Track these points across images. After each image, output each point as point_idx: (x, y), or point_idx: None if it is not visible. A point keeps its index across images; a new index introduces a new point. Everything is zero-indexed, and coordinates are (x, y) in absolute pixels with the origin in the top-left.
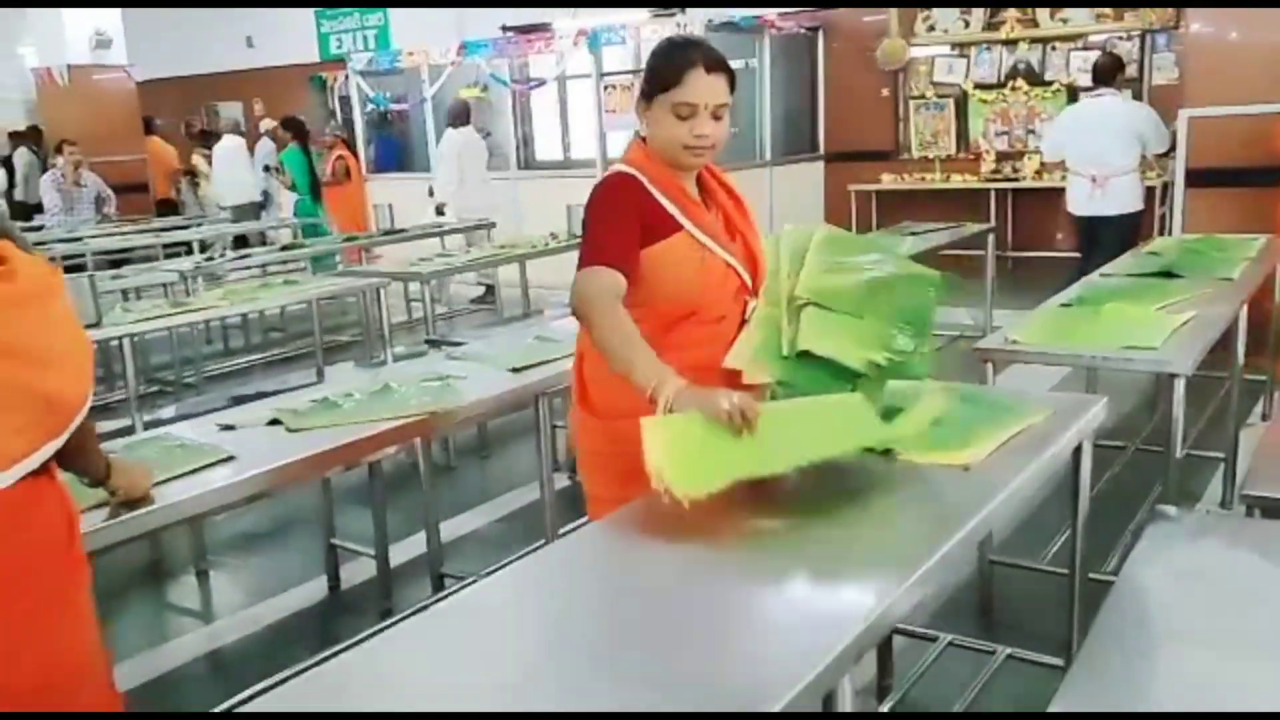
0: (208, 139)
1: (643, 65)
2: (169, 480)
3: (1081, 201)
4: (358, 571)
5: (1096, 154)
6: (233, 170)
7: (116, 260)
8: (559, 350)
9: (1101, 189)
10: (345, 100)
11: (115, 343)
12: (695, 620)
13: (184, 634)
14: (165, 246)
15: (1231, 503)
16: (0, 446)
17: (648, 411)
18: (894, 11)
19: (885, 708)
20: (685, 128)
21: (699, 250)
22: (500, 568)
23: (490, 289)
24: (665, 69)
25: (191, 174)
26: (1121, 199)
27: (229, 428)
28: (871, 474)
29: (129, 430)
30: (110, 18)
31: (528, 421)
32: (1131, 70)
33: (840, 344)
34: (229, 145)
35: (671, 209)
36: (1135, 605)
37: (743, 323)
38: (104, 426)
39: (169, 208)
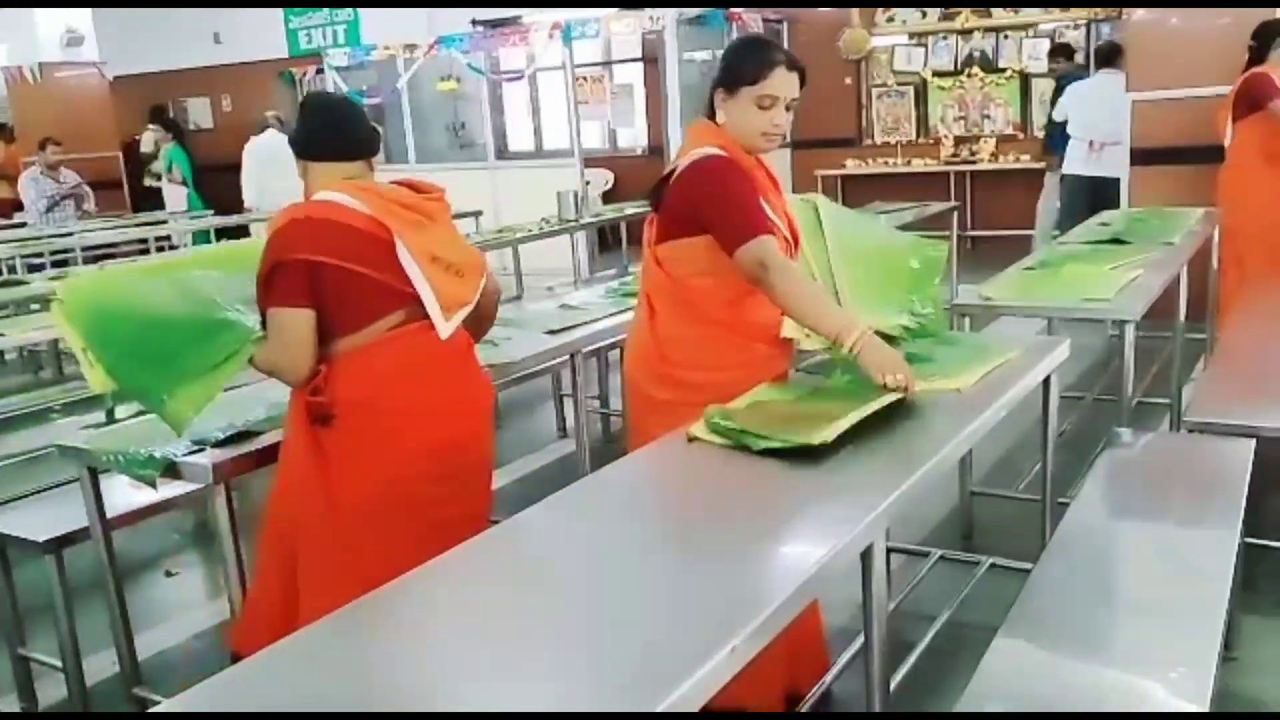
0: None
1: (612, 57)
2: None
3: (1079, 162)
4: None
5: (1094, 123)
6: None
7: (103, 255)
8: (585, 315)
9: (1097, 154)
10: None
11: None
12: (721, 528)
13: None
14: (158, 240)
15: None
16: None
17: (724, 365)
18: None
19: (891, 607)
20: (766, 117)
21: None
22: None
23: None
24: (752, 65)
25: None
26: (1112, 164)
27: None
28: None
29: None
30: (81, 15)
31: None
32: (1079, 58)
33: (877, 315)
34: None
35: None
36: (1092, 509)
37: None
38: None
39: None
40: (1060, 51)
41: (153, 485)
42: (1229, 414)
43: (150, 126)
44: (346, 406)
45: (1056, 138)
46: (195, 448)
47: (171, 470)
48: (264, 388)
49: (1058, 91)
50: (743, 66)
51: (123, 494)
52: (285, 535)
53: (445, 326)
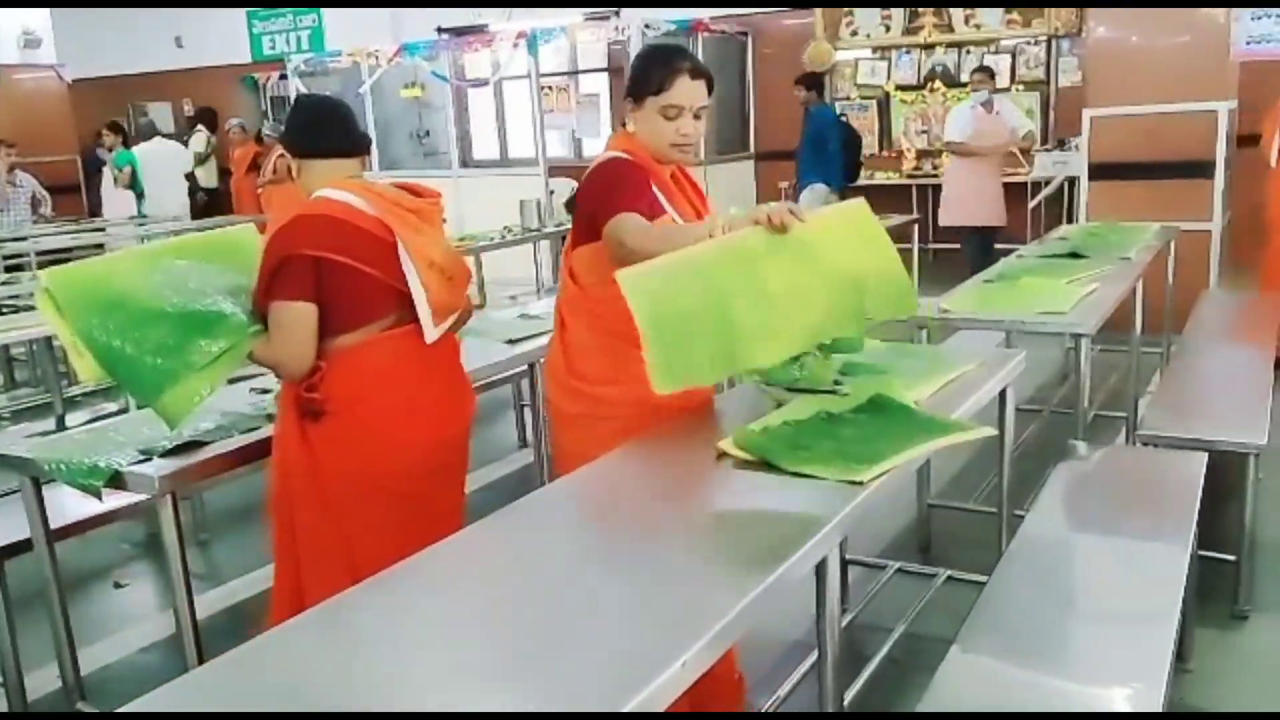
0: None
1: (578, 67)
2: None
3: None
4: None
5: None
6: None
7: (60, 259)
8: (545, 325)
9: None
10: (279, 100)
11: None
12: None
13: None
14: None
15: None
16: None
17: (626, 379)
18: (818, 14)
19: (844, 623)
20: (672, 127)
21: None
22: None
23: None
24: (655, 75)
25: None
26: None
27: None
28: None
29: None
30: (39, 16)
31: (486, 405)
32: (1039, 73)
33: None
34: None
35: (659, 194)
36: (1047, 521)
37: None
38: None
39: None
40: (811, 84)
41: (97, 496)
42: (1182, 428)
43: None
44: (337, 403)
45: None
46: (141, 457)
47: (117, 481)
48: (215, 398)
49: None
50: (646, 76)
51: (73, 503)
52: (286, 524)
53: (433, 332)
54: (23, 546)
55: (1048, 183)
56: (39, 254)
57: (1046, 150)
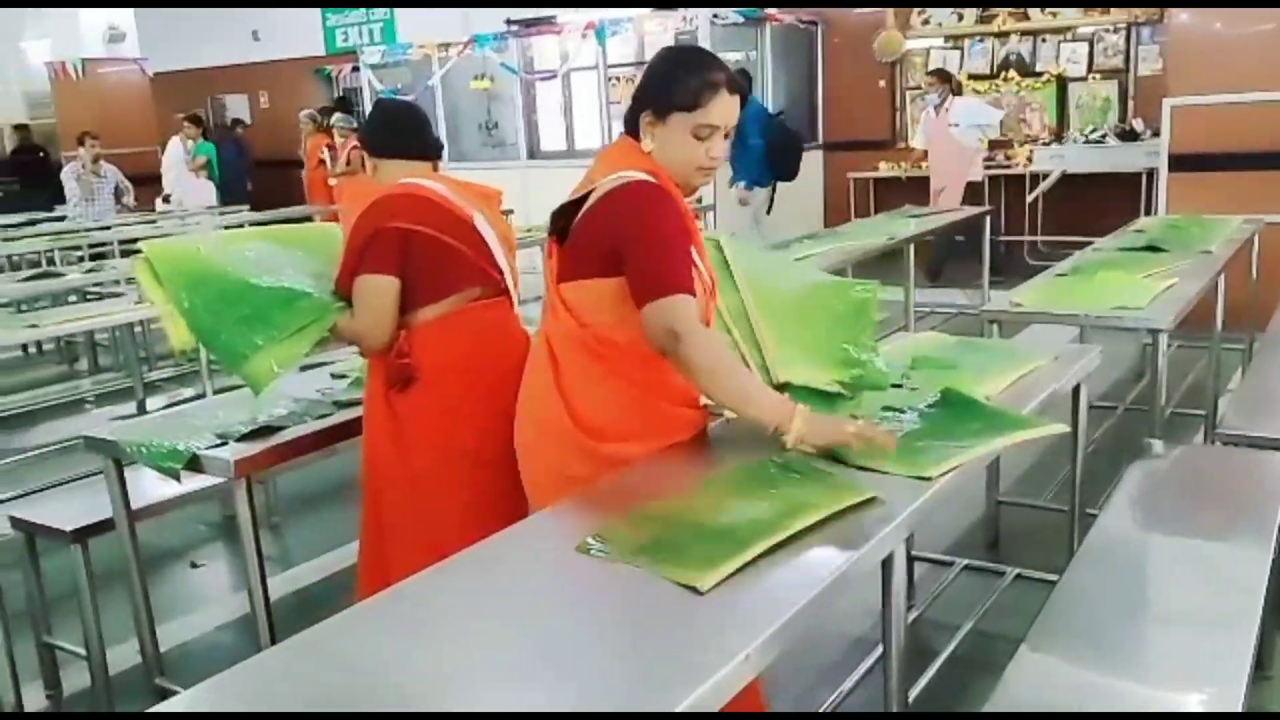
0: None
1: (645, 58)
2: None
3: None
4: None
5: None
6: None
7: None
8: None
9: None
10: (351, 92)
11: None
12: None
13: None
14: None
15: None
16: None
17: (646, 437)
18: None
19: (910, 619)
20: (702, 149)
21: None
22: None
23: None
24: (688, 86)
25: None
26: None
27: None
28: None
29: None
30: (123, 12)
31: None
32: (1118, 62)
33: (808, 369)
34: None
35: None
36: (1122, 520)
37: None
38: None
39: None
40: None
41: (176, 478)
42: (1265, 427)
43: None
44: (427, 371)
45: None
46: (218, 441)
47: (194, 464)
48: (285, 384)
49: None
50: (675, 87)
51: (152, 485)
52: (374, 499)
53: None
54: (101, 528)
55: (1045, 177)
56: (121, 243)
57: (1045, 145)
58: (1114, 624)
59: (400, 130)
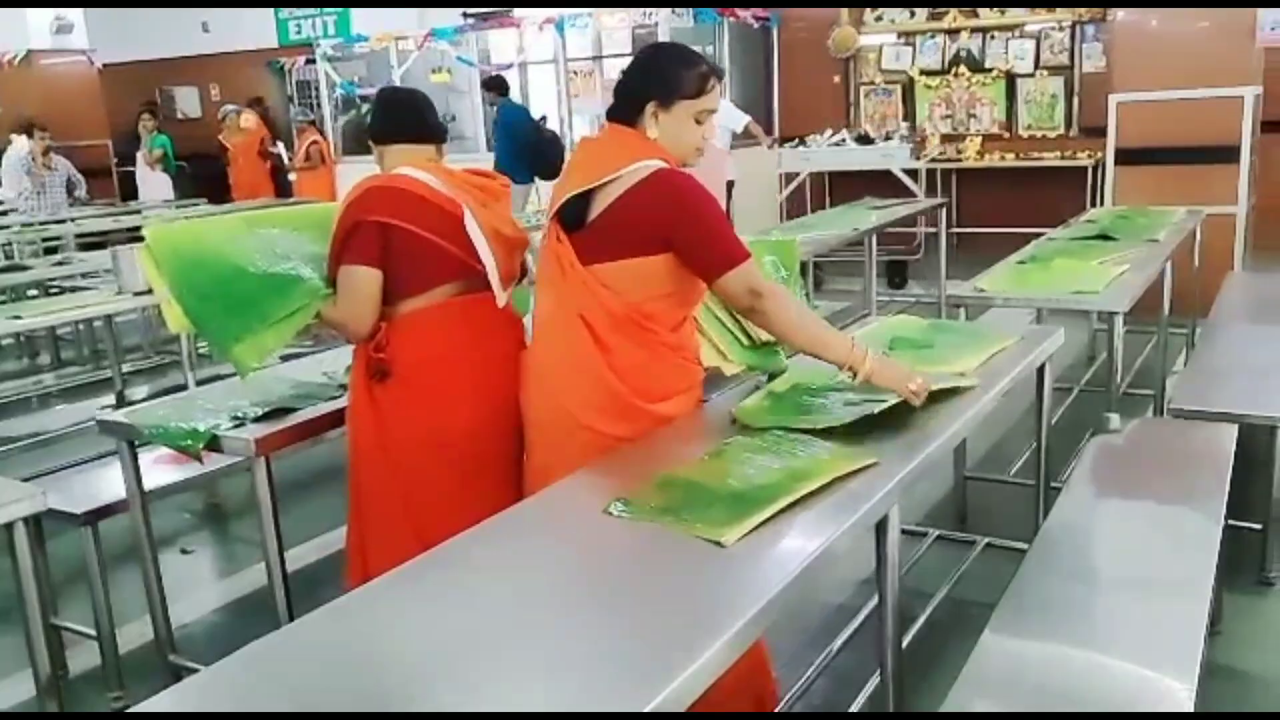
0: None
1: (603, 51)
2: None
3: None
4: None
5: None
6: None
7: (97, 243)
8: None
9: None
10: (304, 85)
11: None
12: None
13: None
14: None
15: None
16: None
17: (687, 392)
18: None
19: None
20: (699, 132)
21: None
22: None
23: None
24: (690, 77)
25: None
26: None
27: None
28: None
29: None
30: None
31: None
32: (1063, 59)
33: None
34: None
35: None
36: (1083, 492)
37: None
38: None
39: None
40: (492, 85)
41: (198, 458)
42: (1212, 401)
43: None
44: (403, 365)
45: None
46: (235, 423)
47: (214, 444)
48: (287, 368)
49: None
50: (679, 78)
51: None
52: (357, 487)
53: (502, 296)
54: (115, 508)
55: (794, 177)
56: (78, 237)
57: (791, 145)
58: (1081, 591)
59: (399, 116)
